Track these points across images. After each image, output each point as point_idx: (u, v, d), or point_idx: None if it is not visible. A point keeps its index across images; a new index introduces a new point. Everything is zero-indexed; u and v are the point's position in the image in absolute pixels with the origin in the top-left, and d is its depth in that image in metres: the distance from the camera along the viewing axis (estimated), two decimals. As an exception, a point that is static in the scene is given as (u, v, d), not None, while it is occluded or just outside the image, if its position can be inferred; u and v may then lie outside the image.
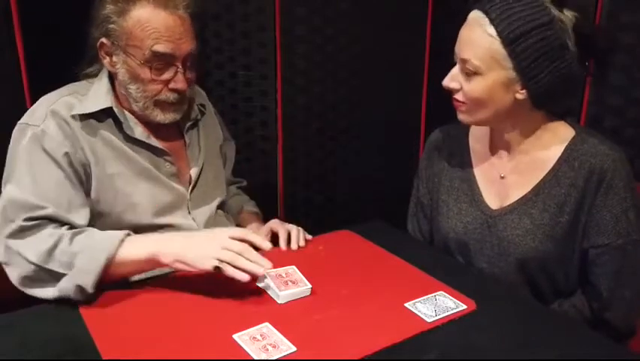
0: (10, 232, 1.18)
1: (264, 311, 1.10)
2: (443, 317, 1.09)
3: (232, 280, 1.14)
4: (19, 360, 0.98)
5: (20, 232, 1.18)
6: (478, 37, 1.18)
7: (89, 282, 1.12)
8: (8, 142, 1.27)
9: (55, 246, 1.15)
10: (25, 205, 1.19)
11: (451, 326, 1.07)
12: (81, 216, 1.24)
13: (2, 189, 1.24)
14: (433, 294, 1.16)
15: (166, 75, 1.28)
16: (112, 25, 1.26)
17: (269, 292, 1.15)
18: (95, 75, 1.36)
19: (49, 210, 1.19)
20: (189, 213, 1.40)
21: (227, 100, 1.99)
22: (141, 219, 1.32)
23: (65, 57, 1.32)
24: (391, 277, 1.24)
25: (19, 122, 1.28)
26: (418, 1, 2.06)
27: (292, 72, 2.00)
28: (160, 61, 1.26)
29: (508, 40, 1.16)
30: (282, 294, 1.13)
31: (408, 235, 1.53)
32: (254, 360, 0.97)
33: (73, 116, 1.26)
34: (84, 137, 1.26)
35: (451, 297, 1.15)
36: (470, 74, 1.20)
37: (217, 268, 1.11)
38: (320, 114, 2.03)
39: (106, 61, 1.30)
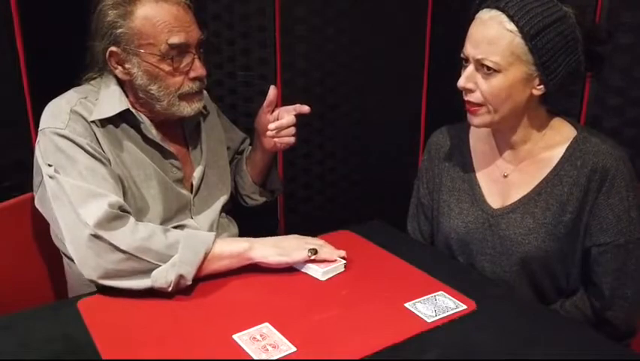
0: (96, 221, 1.14)
1: (264, 311, 1.10)
2: (443, 317, 1.09)
3: (232, 281, 1.19)
4: (19, 360, 0.98)
5: (108, 222, 1.15)
6: (497, 34, 1.17)
7: (189, 273, 1.16)
8: (8, 142, 1.26)
9: (149, 237, 1.16)
10: (92, 193, 1.18)
11: (451, 326, 1.07)
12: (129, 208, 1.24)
13: (51, 180, 1.21)
14: (433, 294, 1.16)
15: (184, 64, 1.29)
16: (120, 30, 1.25)
17: (309, 272, 1.25)
18: (96, 77, 1.34)
19: (116, 197, 1.19)
20: (192, 217, 1.40)
21: (226, 100, 1.99)
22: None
23: (65, 57, 1.32)
24: (391, 277, 1.24)
25: (41, 128, 1.25)
26: (418, 1, 2.06)
27: (292, 72, 1.99)
28: (176, 52, 1.27)
29: (530, 36, 1.15)
30: (323, 270, 1.23)
31: (408, 235, 1.53)
32: (254, 360, 0.97)
33: (93, 121, 1.26)
34: (103, 141, 1.26)
35: (451, 297, 1.15)
36: (489, 72, 1.19)
37: (311, 251, 1.24)
38: (320, 114, 2.03)
39: (118, 70, 1.29)
